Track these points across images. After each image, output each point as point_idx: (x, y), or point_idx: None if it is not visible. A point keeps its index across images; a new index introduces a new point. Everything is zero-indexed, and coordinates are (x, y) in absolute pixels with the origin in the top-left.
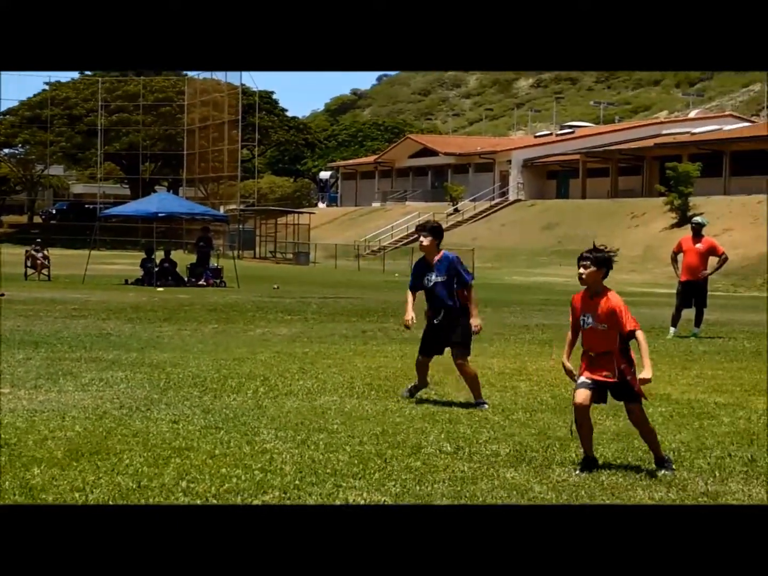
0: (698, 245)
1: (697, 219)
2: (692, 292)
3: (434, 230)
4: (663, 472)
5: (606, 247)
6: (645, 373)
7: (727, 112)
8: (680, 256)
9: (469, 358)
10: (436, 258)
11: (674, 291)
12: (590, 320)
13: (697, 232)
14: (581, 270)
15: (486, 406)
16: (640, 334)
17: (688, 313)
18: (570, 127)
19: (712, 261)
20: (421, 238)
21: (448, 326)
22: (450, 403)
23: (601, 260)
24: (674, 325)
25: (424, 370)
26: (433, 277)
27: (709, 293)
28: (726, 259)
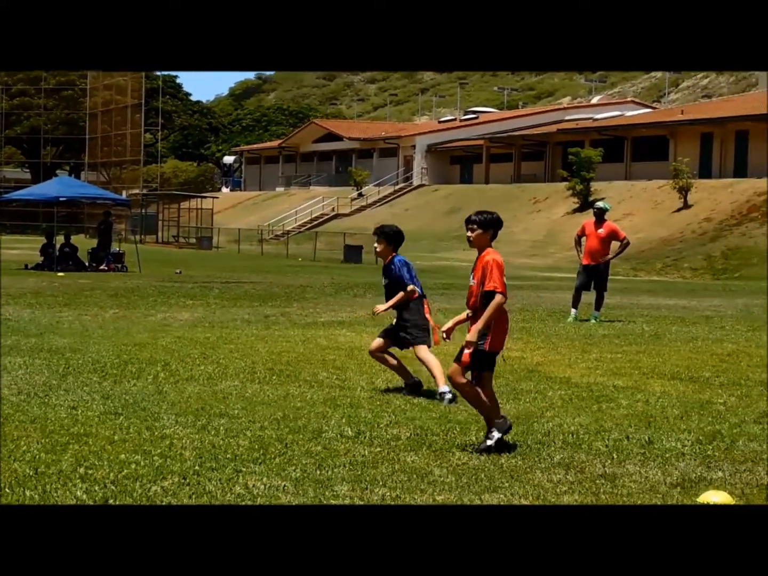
0: (600, 230)
1: (600, 204)
2: (592, 276)
3: (387, 235)
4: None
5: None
6: (469, 335)
7: (628, 99)
8: (583, 240)
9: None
10: (386, 262)
11: (573, 276)
12: (471, 278)
13: (600, 217)
14: (468, 233)
15: (449, 395)
16: (497, 297)
17: (589, 297)
18: (474, 112)
19: (614, 245)
20: (375, 243)
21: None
22: (352, 388)
23: (485, 222)
24: (575, 306)
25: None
26: (383, 280)
27: (609, 277)
28: (627, 243)
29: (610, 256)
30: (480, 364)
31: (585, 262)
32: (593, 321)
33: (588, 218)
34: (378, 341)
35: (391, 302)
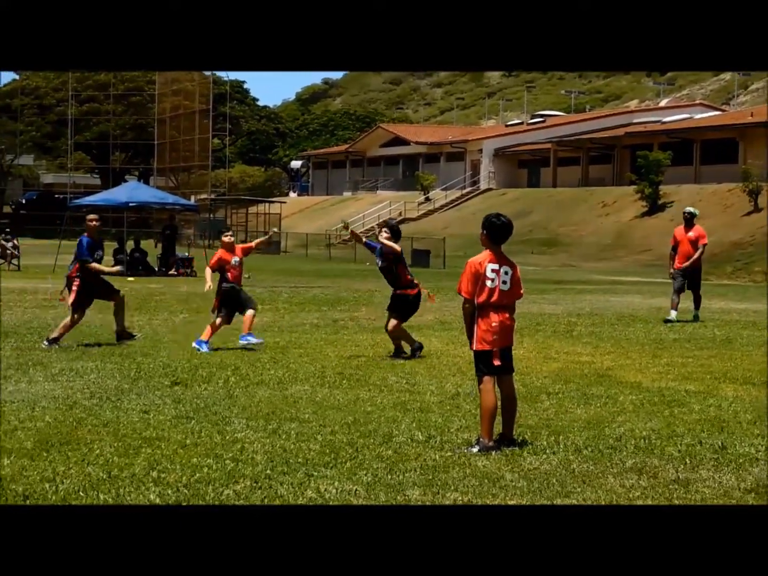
0: (690, 233)
1: (689, 209)
2: (687, 278)
3: (392, 228)
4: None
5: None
6: None
7: (697, 101)
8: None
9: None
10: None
11: (643, 279)
12: None
13: (689, 222)
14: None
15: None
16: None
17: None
18: (541, 116)
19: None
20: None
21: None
22: (421, 392)
23: (483, 224)
24: (675, 308)
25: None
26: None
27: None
28: (704, 248)
29: (687, 263)
30: (475, 365)
31: (678, 265)
32: (695, 320)
33: (657, 221)
34: (393, 321)
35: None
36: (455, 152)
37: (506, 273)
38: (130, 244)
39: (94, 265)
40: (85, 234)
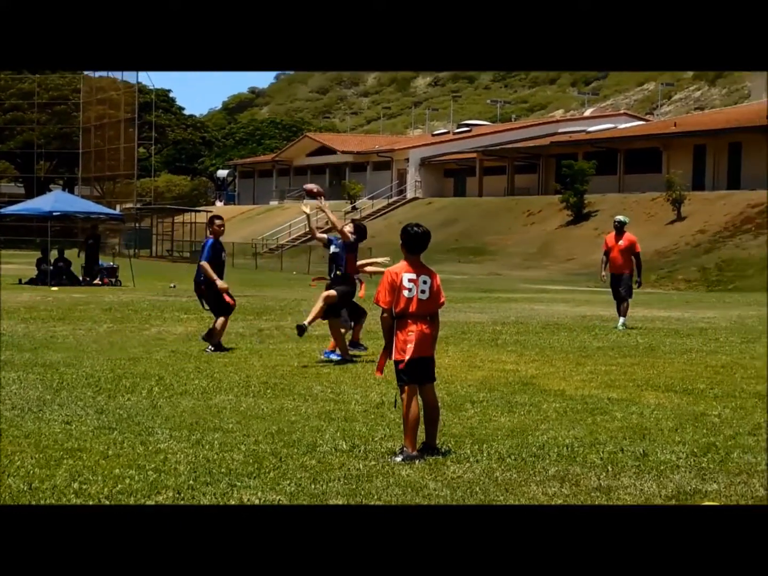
0: (620, 242)
1: (619, 218)
2: (617, 284)
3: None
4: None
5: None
6: None
7: (621, 111)
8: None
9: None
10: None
11: (568, 288)
12: None
13: (619, 230)
14: None
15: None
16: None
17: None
18: (467, 125)
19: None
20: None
21: None
22: (346, 402)
23: (401, 235)
24: (621, 314)
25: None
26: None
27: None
28: (638, 255)
29: (635, 275)
30: (396, 375)
31: (610, 271)
32: (619, 329)
33: (581, 231)
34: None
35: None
36: (382, 161)
37: (424, 282)
38: (54, 254)
39: (205, 265)
40: (211, 236)
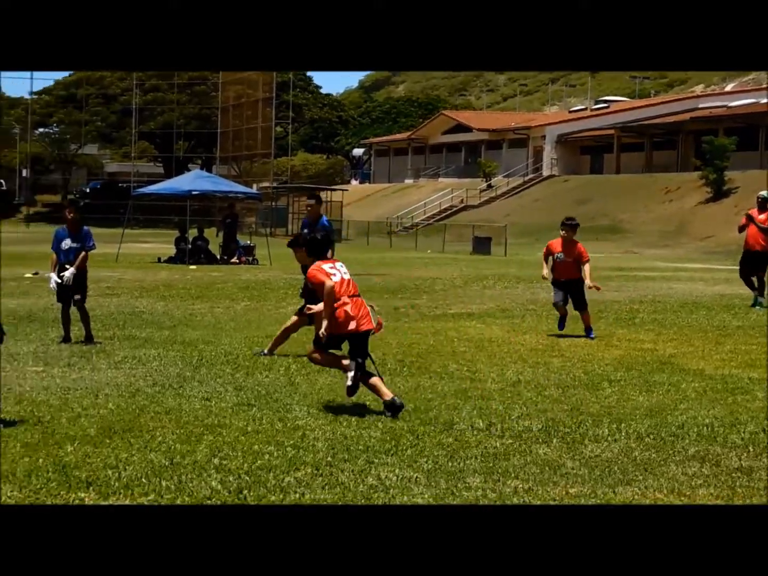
0: (761, 216)
1: (763, 193)
2: (754, 261)
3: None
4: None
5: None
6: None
7: (763, 85)
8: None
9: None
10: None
11: (706, 266)
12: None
13: (762, 206)
14: None
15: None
16: None
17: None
18: (605, 101)
19: None
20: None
21: None
22: (482, 380)
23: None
24: (755, 291)
25: None
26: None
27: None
28: None
29: None
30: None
31: (746, 247)
32: (758, 308)
33: (721, 207)
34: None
35: None
36: (518, 139)
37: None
38: (193, 233)
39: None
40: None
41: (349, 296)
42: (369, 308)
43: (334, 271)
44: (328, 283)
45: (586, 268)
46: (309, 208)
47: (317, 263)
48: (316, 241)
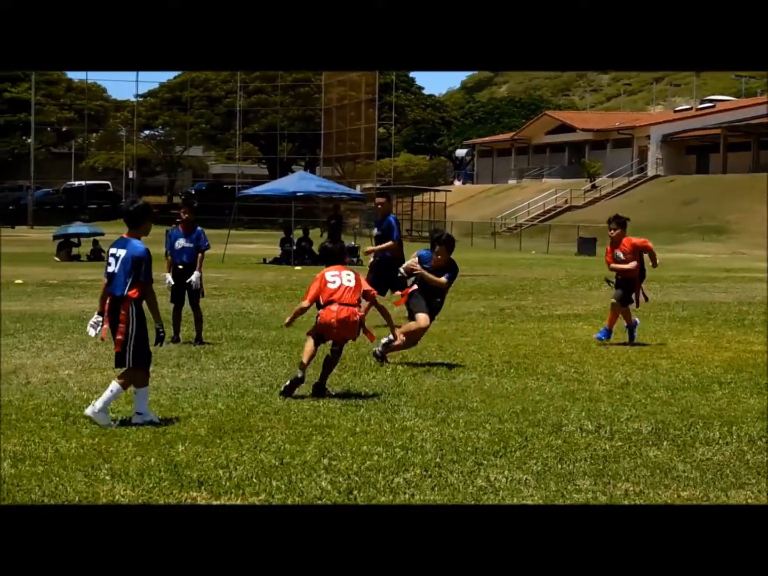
0: None
1: None
2: None
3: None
4: None
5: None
6: None
7: None
8: None
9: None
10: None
11: None
12: None
13: None
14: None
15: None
16: None
17: None
18: (710, 101)
19: None
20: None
21: None
22: (590, 381)
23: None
24: None
25: None
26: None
27: None
28: None
29: None
30: None
31: None
32: None
33: None
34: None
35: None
36: (622, 139)
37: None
38: (297, 234)
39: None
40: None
41: (341, 303)
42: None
43: (334, 279)
44: (303, 304)
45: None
46: (380, 206)
47: (323, 270)
48: (327, 250)
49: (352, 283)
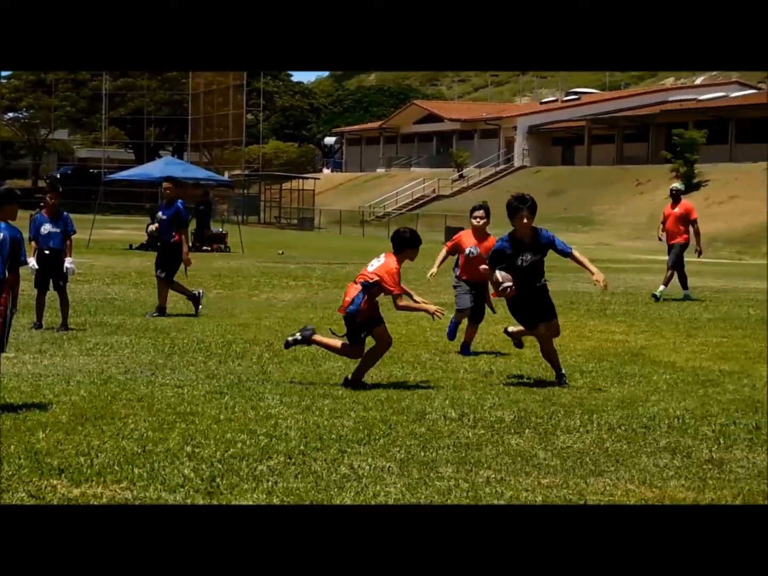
0: (676, 209)
1: (675, 186)
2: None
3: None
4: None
5: None
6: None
7: (733, 79)
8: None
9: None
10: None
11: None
12: None
13: (676, 198)
14: None
15: None
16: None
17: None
18: (576, 93)
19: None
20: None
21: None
22: (455, 370)
23: None
24: (665, 283)
25: None
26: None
27: (715, 261)
28: (695, 223)
29: (701, 249)
30: None
31: (668, 242)
32: (656, 294)
33: (690, 200)
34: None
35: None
36: (489, 129)
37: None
38: None
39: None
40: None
41: (354, 282)
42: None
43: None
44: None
45: None
46: (167, 191)
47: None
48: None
49: (372, 266)
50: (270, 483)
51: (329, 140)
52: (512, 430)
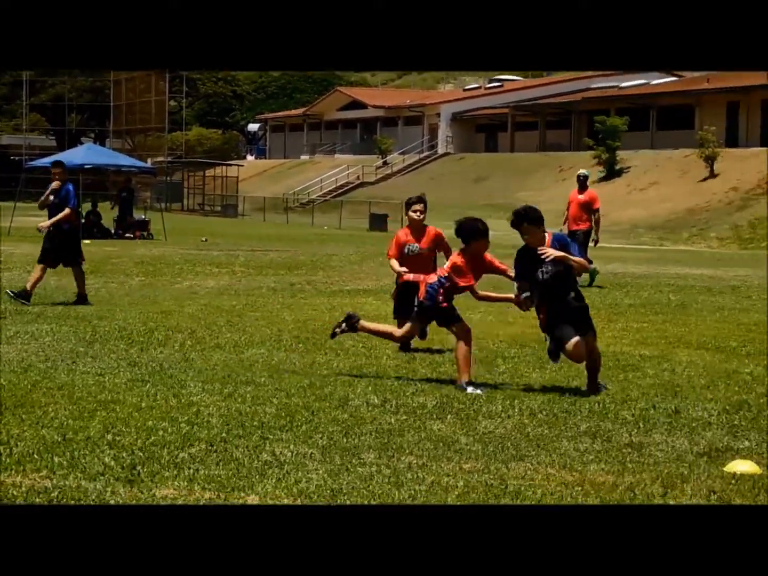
0: (581, 196)
1: (582, 171)
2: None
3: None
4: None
5: None
6: None
7: None
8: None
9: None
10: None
11: (601, 245)
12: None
13: (582, 184)
14: None
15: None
16: None
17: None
18: (499, 80)
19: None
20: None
21: None
22: (378, 356)
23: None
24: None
25: None
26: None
27: (635, 247)
28: (597, 212)
29: (597, 237)
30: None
31: (569, 227)
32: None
33: (613, 186)
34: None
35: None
36: (413, 116)
37: None
38: (86, 207)
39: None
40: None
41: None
42: None
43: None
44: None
45: None
46: (56, 176)
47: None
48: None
49: None
50: (191, 470)
51: (253, 127)
52: (434, 416)
